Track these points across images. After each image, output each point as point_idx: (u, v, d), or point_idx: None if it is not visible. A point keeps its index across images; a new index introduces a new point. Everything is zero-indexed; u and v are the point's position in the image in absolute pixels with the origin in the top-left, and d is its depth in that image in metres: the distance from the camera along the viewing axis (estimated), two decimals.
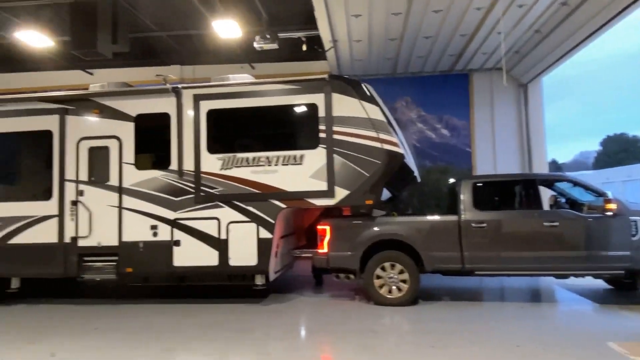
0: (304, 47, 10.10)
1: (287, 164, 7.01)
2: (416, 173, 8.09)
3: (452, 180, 10.46)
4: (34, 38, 9.14)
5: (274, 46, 9.48)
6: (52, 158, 7.47)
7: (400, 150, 6.85)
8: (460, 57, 10.70)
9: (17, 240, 7.36)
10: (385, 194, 7.16)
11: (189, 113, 7.30)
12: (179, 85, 7.42)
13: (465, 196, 6.77)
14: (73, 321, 6.36)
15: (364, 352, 4.70)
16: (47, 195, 7.39)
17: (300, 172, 6.96)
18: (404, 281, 6.63)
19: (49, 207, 7.37)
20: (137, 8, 9.08)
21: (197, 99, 7.32)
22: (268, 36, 9.31)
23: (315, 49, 10.34)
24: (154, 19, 9.70)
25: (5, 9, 8.50)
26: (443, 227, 6.68)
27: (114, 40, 7.75)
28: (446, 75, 11.62)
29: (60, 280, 7.69)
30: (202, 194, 7.13)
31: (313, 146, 6.97)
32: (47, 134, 7.51)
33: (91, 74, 11.81)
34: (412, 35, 9.31)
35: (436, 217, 6.82)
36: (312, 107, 7.05)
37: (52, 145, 7.48)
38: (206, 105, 7.30)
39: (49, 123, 7.52)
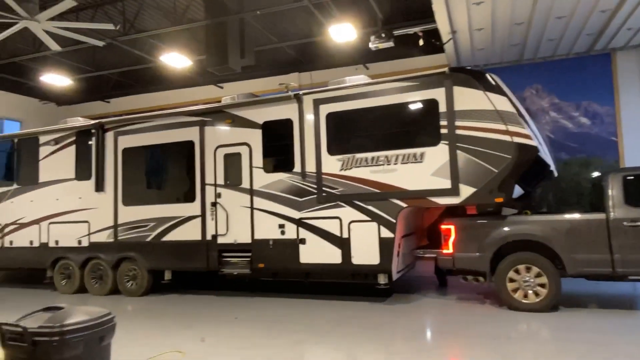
0: (421, 42, 9.86)
1: (407, 162, 6.92)
2: (553, 167, 7.37)
3: (596, 174, 9.31)
4: (176, 59, 10.39)
5: (390, 44, 9.43)
6: (194, 165, 8.41)
7: (532, 142, 6.30)
8: (600, 36, 9.46)
9: (168, 237, 8.43)
10: (517, 190, 6.65)
11: (309, 117, 7.63)
12: (300, 92, 7.80)
13: (614, 191, 5.98)
14: (216, 311, 7.08)
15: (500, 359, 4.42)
16: (191, 198, 8.34)
17: (421, 170, 6.81)
18: (542, 285, 6.08)
19: (193, 208, 8.30)
20: (261, 24, 9.78)
21: (317, 103, 7.61)
22: (383, 35, 9.30)
23: (432, 43, 10.04)
24: (275, 32, 10.35)
25: (153, 36, 9.80)
26: (588, 227, 5.97)
27: (242, 55, 8.46)
28: (583, 57, 10.37)
29: (203, 273, 8.61)
30: (323, 194, 7.39)
31: (434, 143, 6.78)
32: (190, 144, 8.47)
33: (221, 87, 13.02)
34: (541, 17, 8.50)
35: (579, 215, 6.13)
36: (432, 103, 6.86)
37: (194, 153, 8.42)
38: (325, 109, 7.55)
39: (191, 134, 8.48)
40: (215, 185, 8.19)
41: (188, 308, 7.38)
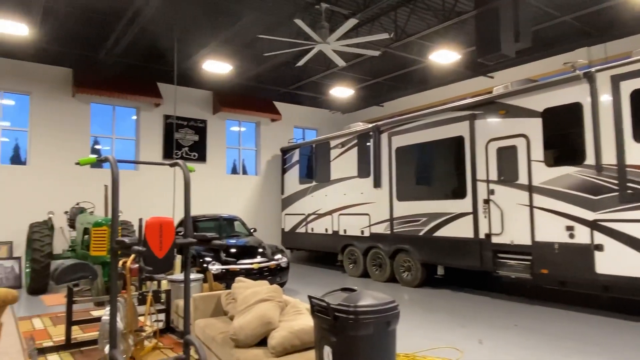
0: None
1: None
2: None
3: None
4: (444, 56, 10.40)
5: None
6: (464, 160, 8.22)
7: None
8: None
9: (439, 233, 8.52)
10: None
11: (605, 98, 6.32)
12: (592, 69, 6.55)
13: None
14: (491, 314, 6.71)
15: None
16: (461, 195, 8.19)
17: None
18: None
19: (464, 205, 8.12)
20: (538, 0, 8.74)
21: (616, 80, 6.23)
22: None
23: None
24: (556, 5, 9.06)
25: (422, 37, 10.11)
26: None
27: (517, 38, 7.74)
28: None
29: (476, 272, 8.32)
30: (629, 191, 5.98)
31: None
32: (459, 139, 8.33)
33: (492, 77, 12.32)
34: None
35: None
36: None
37: (464, 148, 8.23)
38: (629, 86, 6.10)
39: (461, 129, 8.32)
40: (488, 181, 7.78)
41: (461, 306, 7.27)
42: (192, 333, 4.69)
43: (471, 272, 9.12)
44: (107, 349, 3.95)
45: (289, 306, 4.08)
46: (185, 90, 12.78)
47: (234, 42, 10.03)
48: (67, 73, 10.97)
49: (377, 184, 10.04)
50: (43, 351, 4.97)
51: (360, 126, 10.91)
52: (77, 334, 5.66)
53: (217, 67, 10.39)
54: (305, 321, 3.61)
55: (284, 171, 13.88)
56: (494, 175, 7.70)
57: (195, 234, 3.47)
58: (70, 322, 5.17)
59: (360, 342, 2.80)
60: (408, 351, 4.92)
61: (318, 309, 3.00)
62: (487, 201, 7.74)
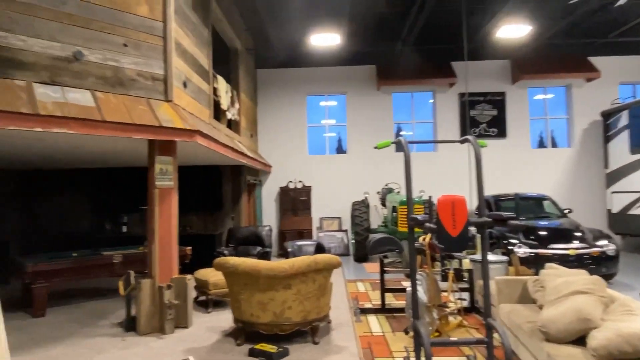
0: None
1: None
2: None
3: None
4: None
5: None
6: None
7: None
8: None
9: None
10: None
11: None
12: None
13: None
14: None
15: None
16: None
17: None
18: None
19: None
20: None
21: None
22: None
23: None
24: None
25: None
26: None
27: None
28: None
29: None
30: None
31: None
32: None
33: None
34: None
35: None
36: None
37: None
38: None
39: None
40: None
41: None
42: (497, 317, 4.45)
43: None
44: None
45: (616, 303, 3.29)
46: (478, 65, 12.29)
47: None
48: (371, 70, 12.37)
49: None
50: (364, 311, 5.78)
51: None
52: (390, 300, 6.32)
53: (513, 31, 9.50)
54: (638, 324, 2.83)
55: (606, 140, 11.47)
56: None
57: (490, 213, 3.23)
58: (383, 289, 5.82)
59: None
60: None
61: None
62: None
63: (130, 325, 5.21)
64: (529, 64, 12.02)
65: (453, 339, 4.49)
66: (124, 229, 9.68)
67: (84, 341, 4.87)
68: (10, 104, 3.94)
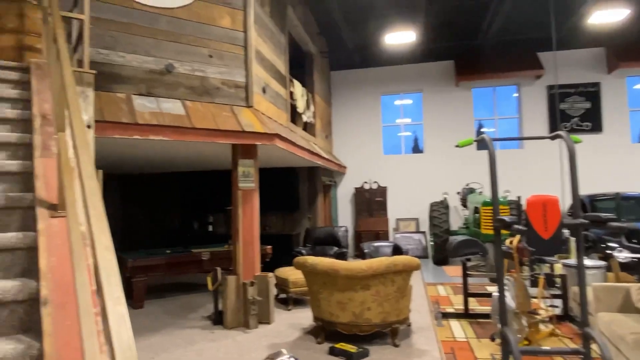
0: None
1: None
2: None
3: None
4: None
5: None
6: None
7: None
8: None
9: None
10: None
11: None
12: None
13: None
14: None
15: None
16: None
17: None
18: None
19: None
20: None
21: None
22: None
23: None
24: None
25: None
26: None
27: None
28: None
29: None
30: None
31: None
32: None
33: None
34: None
35: None
36: None
37: None
38: None
39: None
40: None
41: None
42: (594, 327, 4.10)
43: None
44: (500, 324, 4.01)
45: None
46: (568, 54, 11.36)
47: None
48: (449, 65, 11.94)
49: None
50: (445, 315, 5.60)
51: None
52: (474, 305, 6.06)
53: (608, 16, 8.65)
54: None
55: None
56: None
57: (586, 214, 2.98)
58: (466, 294, 5.60)
59: None
60: None
61: None
62: None
63: (218, 318, 5.53)
64: (628, 50, 10.88)
65: (545, 348, 4.20)
66: (210, 228, 10.29)
67: (178, 332, 5.26)
68: (114, 115, 4.38)
